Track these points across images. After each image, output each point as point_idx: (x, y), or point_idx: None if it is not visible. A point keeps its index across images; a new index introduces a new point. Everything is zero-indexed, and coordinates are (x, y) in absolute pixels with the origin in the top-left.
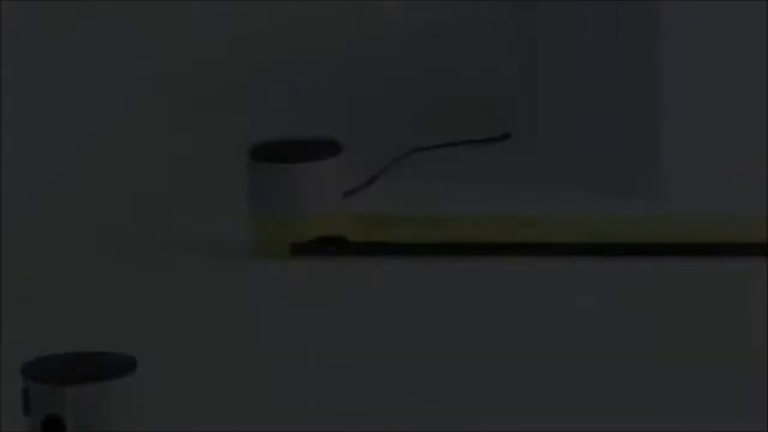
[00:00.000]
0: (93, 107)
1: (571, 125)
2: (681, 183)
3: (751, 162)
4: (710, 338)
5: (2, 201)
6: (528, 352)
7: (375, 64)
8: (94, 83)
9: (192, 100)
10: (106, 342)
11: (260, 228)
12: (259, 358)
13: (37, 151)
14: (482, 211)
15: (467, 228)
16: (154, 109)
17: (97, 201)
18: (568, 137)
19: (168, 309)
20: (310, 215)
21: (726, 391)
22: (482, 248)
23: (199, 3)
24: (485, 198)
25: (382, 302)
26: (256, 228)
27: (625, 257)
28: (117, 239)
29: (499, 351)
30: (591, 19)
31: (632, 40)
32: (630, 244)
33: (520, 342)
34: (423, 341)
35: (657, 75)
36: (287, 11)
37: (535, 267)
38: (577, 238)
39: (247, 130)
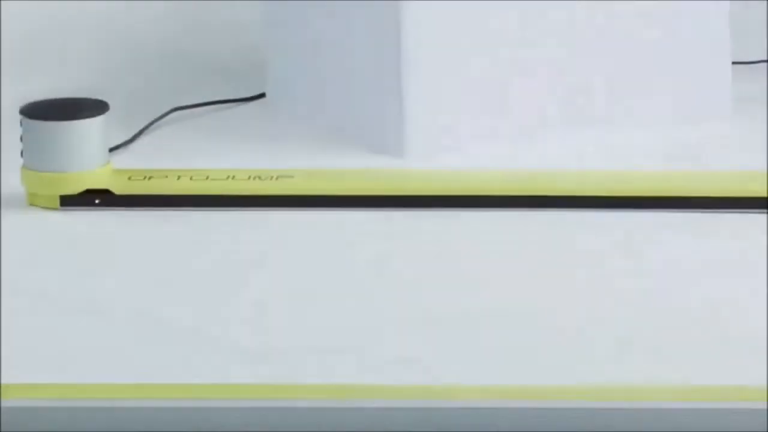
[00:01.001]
0: None
1: (323, 88)
2: (420, 142)
3: (479, 126)
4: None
5: None
6: (282, 295)
7: (137, 28)
8: None
9: None
10: None
11: (32, 181)
12: (28, 305)
13: None
14: (240, 165)
15: (226, 181)
16: None
17: None
18: (321, 99)
19: None
20: (78, 169)
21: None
22: (241, 199)
23: None
24: (243, 153)
25: (145, 251)
26: (28, 181)
27: (374, 208)
28: None
29: (256, 296)
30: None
31: (377, 14)
32: (378, 196)
33: (277, 287)
34: (186, 289)
35: (397, 44)
36: None
37: (292, 217)
38: (330, 190)
39: (21, 90)
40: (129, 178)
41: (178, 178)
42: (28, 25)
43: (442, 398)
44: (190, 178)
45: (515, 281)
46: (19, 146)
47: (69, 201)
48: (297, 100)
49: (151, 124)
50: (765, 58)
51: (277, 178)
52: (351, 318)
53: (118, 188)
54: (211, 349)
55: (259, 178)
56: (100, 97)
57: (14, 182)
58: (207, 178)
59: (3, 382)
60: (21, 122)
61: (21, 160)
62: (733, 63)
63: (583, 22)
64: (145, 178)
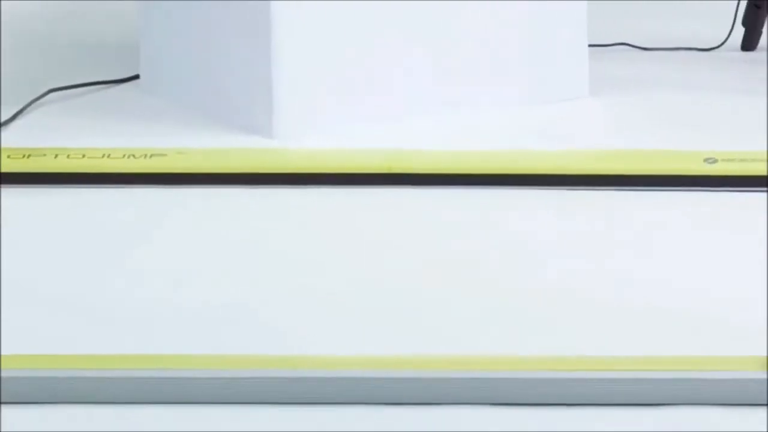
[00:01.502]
0: None
1: (196, 70)
2: (289, 123)
3: (346, 108)
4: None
5: None
6: (156, 270)
7: (14, 11)
8: None
9: None
10: None
11: None
12: None
13: None
14: (115, 145)
15: (102, 159)
16: None
17: None
18: (193, 80)
19: None
20: None
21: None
22: (116, 177)
23: None
24: (117, 132)
25: (24, 228)
26: None
27: (244, 186)
28: None
29: (132, 271)
30: None
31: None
32: (248, 174)
33: (152, 262)
34: (63, 264)
35: (267, 27)
36: None
37: (164, 194)
38: (201, 168)
39: None
40: (8, 157)
41: (56, 156)
42: None
43: (310, 368)
44: (67, 157)
45: (386, 256)
46: None
47: None
48: (170, 81)
49: (29, 104)
50: (620, 41)
51: (150, 157)
52: (224, 291)
53: None
54: (89, 321)
55: (133, 156)
56: None
57: None
58: (83, 156)
59: None
60: None
61: None
62: (590, 46)
63: (447, 6)
64: (23, 156)
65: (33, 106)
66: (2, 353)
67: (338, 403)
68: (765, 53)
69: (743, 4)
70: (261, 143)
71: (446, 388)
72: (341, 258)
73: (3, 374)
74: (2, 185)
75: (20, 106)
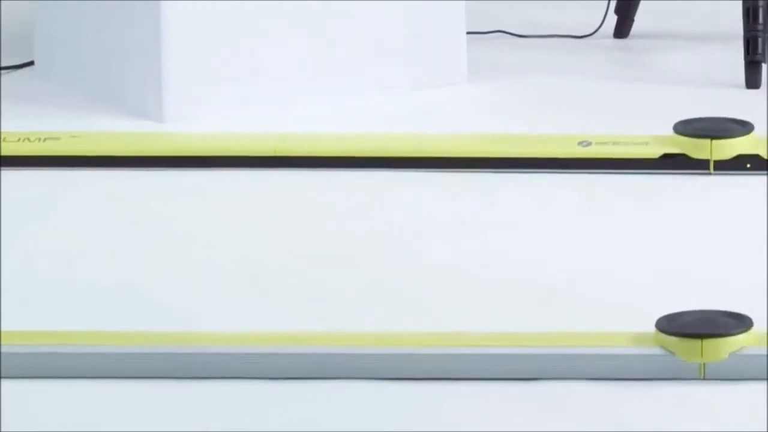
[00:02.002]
0: None
1: (89, 56)
2: (178, 108)
3: (233, 93)
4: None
5: None
6: (53, 251)
7: None
8: None
9: None
10: None
11: None
12: None
13: None
14: (10, 128)
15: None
16: None
17: None
18: (86, 66)
19: None
20: None
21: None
22: (11, 159)
23: None
24: (13, 117)
25: None
26: None
27: (134, 168)
28: None
29: (29, 251)
30: None
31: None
32: (138, 157)
33: (47, 243)
34: None
35: (157, 15)
36: None
37: (58, 177)
38: (94, 151)
39: None
40: None
41: None
42: None
43: (199, 344)
44: None
45: (272, 237)
46: None
47: None
48: (64, 67)
49: None
50: (497, 29)
51: (44, 140)
52: (115, 271)
53: None
54: None
55: (28, 140)
56: None
57: None
58: None
59: None
60: None
61: None
62: (468, 33)
63: None
64: None
65: None
66: None
67: (225, 378)
68: (636, 40)
69: None
70: (152, 127)
71: (331, 364)
72: (229, 238)
73: None
74: None
75: None
